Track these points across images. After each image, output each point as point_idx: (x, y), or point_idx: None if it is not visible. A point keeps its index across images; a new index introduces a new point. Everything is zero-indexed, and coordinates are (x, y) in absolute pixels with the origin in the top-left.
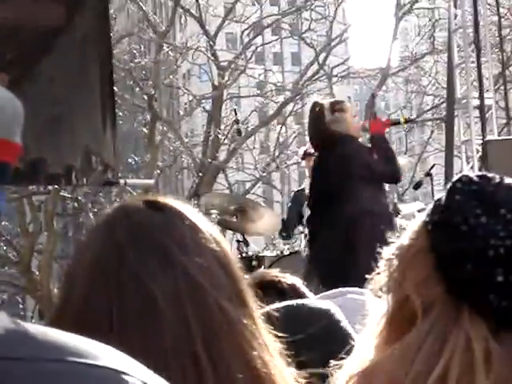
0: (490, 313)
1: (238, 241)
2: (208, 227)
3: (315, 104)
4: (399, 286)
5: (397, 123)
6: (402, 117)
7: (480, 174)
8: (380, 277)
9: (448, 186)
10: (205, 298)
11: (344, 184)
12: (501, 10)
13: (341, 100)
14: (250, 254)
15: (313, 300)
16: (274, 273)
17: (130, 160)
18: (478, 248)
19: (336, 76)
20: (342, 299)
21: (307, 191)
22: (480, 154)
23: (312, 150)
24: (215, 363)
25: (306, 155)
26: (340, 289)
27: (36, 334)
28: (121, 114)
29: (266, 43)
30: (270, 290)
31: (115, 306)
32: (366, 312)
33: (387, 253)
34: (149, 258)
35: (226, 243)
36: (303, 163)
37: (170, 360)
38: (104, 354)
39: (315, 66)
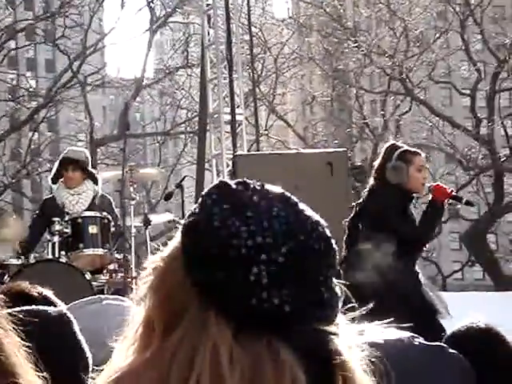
0: (234, 315)
1: None
2: None
3: (392, 145)
4: (157, 290)
5: (458, 200)
6: (464, 198)
7: (241, 180)
8: (144, 285)
9: (204, 191)
10: None
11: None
12: (253, 29)
13: (414, 150)
14: None
15: (49, 308)
16: (24, 284)
17: None
18: (220, 249)
19: (90, 85)
20: (98, 305)
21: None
22: (230, 167)
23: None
24: None
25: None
26: (97, 296)
27: None
28: None
29: (19, 47)
30: (20, 300)
31: None
32: (125, 316)
33: (153, 260)
34: None
35: None
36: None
37: None
38: None
39: (69, 74)
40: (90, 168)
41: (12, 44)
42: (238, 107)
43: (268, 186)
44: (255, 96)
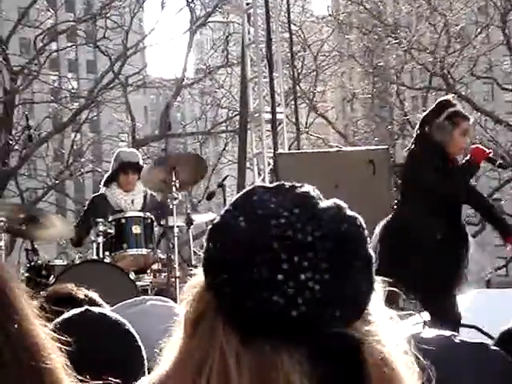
0: (239, 319)
1: (27, 249)
2: None
3: (446, 101)
4: (190, 298)
5: (492, 162)
6: (499, 160)
7: (273, 185)
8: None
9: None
10: None
11: (402, 180)
12: (292, 27)
13: (464, 114)
14: (40, 262)
15: (103, 310)
16: (70, 286)
17: None
18: (223, 253)
19: (131, 85)
20: (143, 306)
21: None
22: (271, 166)
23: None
24: None
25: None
26: (141, 297)
27: None
28: None
29: (61, 49)
30: (66, 302)
31: None
32: (170, 316)
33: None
34: None
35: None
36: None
37: None
38: None
39: (111, 75)
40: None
41: (54, 46)
42: (278, 105)
43: (298, 188)
44: (295, 94)
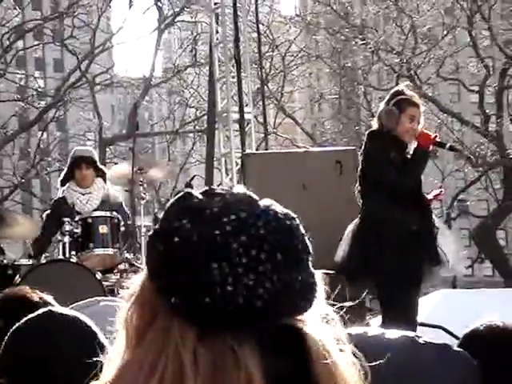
0: (199, 315)
1: None
2: None
3: (397, 91)
4: (135, 299)
5: (442, 146)
6: (449, 143)
7: (205, 189)
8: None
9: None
10: None
11: (361, 181)
12: (260, 27)
13: (412, 101)
14: (5, 262)
15: (63, 309)
16: (26, 289)
17: None
18: (171, 252)
19: (99, 84)
20: (96, 307)
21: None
22: (239, 166)
23: None
24: None
25: None
26: (94, 298)
27: None
28: None
29: (28, 48)
30: (22, 305)
31: None
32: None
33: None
34: None
35: None
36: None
37: None
38: None
39: (78, 73)
40: (99, 165)
41: (20, 44)
42: (246, 106)
43: (233, 190)
44: (263, 94)
